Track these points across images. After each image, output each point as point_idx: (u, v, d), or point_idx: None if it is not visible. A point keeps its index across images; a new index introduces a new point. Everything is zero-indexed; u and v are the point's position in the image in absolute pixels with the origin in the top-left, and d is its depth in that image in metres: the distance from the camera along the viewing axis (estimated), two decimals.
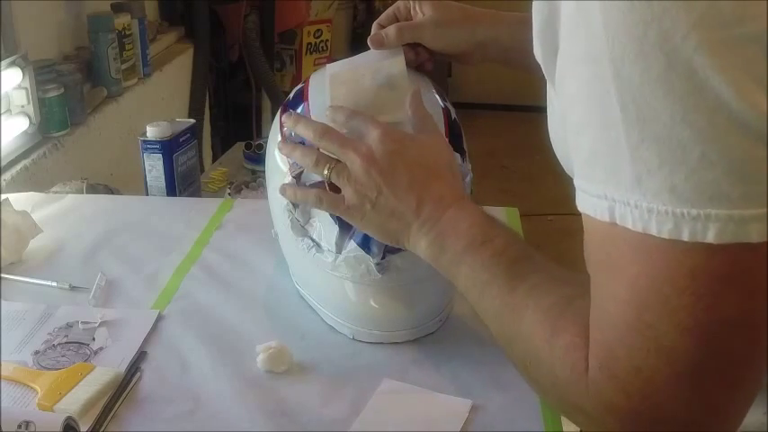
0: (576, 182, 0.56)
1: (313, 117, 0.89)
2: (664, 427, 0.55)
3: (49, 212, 1.24)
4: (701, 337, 0.51)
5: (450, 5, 0.97)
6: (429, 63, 0.98)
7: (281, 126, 0.94)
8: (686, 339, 0.51)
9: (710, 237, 0.48)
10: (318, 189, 0.85)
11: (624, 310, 0.53)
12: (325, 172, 0.82)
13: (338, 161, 0.82)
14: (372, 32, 0.95)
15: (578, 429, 1.02)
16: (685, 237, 0.49)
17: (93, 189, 1.38)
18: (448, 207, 0.78)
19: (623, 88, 0.49)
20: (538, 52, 0.60)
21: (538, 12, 0.59)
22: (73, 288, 1.03)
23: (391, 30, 0.94)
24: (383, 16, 0.98)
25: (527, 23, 0.96)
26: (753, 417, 0.64)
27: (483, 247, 0.73)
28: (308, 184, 0.90)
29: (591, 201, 0.53)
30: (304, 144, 0.88)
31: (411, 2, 0.96)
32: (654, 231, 0.49)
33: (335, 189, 0.85)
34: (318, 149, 0.84)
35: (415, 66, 0.97)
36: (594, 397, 0.57)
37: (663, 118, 0.48)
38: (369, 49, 0.96)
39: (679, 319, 0.51)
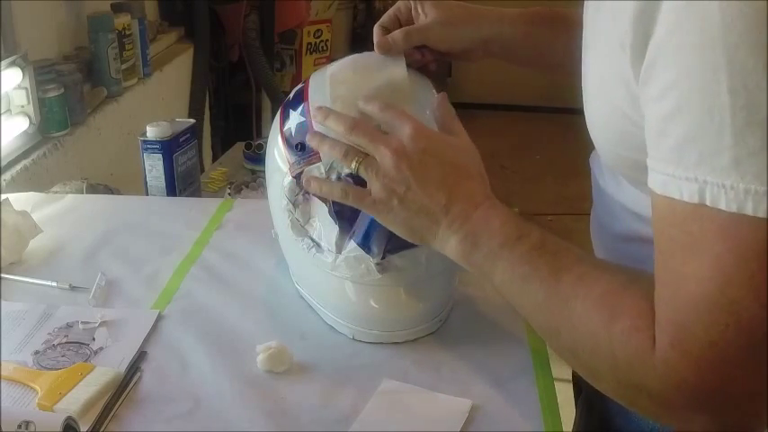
0: (655, 166, 0.58)
1: (313, 117, 0.89)
2: (731, 401, 0.58)
3: (49, 212, 1.24)
4: None
5: (451, 5, 0.97)
6: (433, 65, 0.98)
7: (282, 124, 0.94)
8: (767, 314, 0.54)
9: None
10: (344, 183, 0.84)
11: (706, 286, 0.56)
12: (353, 165, 0.81)
13: (367, 155, 0.81)
14: (375, 35, 0.94)
15: (573, 430, 1.02)
16: None
17: (93, 189, 1.38)
18: (478, 205, 0.78)
19: (735, 74, 0.52)
20: (627, 39, 0.60)
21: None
22: (73, 288, 1.03)
23: (398, 34, 0.94)
24: (384, 17, 0.97)
25: (529, 20, 0.97)
26: None
27: (519, 242, 0.73)
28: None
29: (676, 183, 0.56)
30: (303, 145, 0.88)
31: (412, 2, 0.96)
32: (749, 211, 0.53)
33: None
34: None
35: (419, 67, 0.97)
36: (663, 375, 0.59)
37: None
38: (369, 49, 0.96)
39: (762, 295, 0.54)
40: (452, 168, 0.80)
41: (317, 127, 0.87)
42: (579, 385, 1.02)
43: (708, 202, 0.55)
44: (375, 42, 0.94)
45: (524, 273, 0.72)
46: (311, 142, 0.87)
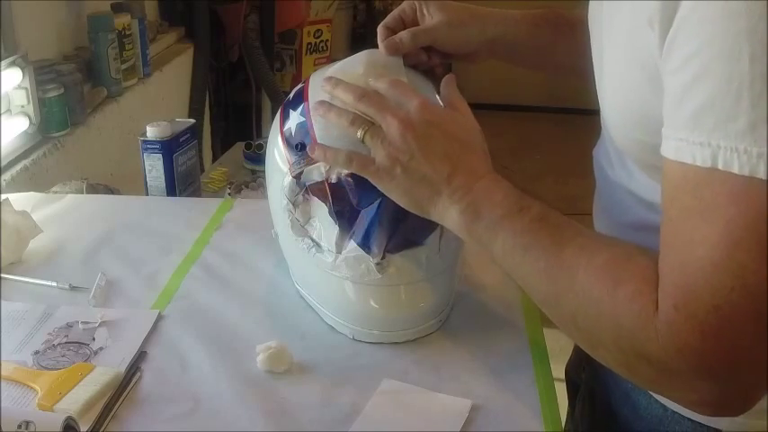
0: (670, 133, 0.59)
1: (313, 117, 0.89)
2: (734, 367, 0.58)
3: (49, 212, 1.24)
4: None
5: (456, 6, 0.97)
6: (440, 68, 0.98)
7: (281, 124, 0.94)
8: None
9: None
10: (348, 150, 0.85)
11: (715, 250, 0.56)
12: (360, 133, 0.83)
13: (373, 123, 0.83)
14: (379, 36, 0.95)
15: (573, 428, 1.02)
16: None
17: (93, 189, 1.38)
18: (480, 178, 0.79)
19: (756, 42, 0.53)
20: (655, 16, 0.60)
21: None
22: (73, 288, 1.03)
23: (405, 34, 0.94)
24: (389, 18, 0.97)
25: (532, 21, 0.98)
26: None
27: (521, 214, 0.74)
28: (308, 184, 0.90)
29: (689, 148, 0.57)
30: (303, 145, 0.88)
31: (417, 3, 0.96)
32: (761, 174, 0.54)
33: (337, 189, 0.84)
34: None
35: (426, 69, 0.97)
36: (665, 339, 0.59)
37: None
38: (369, 48, 0.96)
39: None
40: (456, 142, 0.81)
41: (324, 97, 0.88)
42: (575, 381, 1.02)
43: (720, 166, 0.55)
44: (382, 43, 0.94)
45: (526, 243, 0.73)
46: (319, 110, 0.88)
